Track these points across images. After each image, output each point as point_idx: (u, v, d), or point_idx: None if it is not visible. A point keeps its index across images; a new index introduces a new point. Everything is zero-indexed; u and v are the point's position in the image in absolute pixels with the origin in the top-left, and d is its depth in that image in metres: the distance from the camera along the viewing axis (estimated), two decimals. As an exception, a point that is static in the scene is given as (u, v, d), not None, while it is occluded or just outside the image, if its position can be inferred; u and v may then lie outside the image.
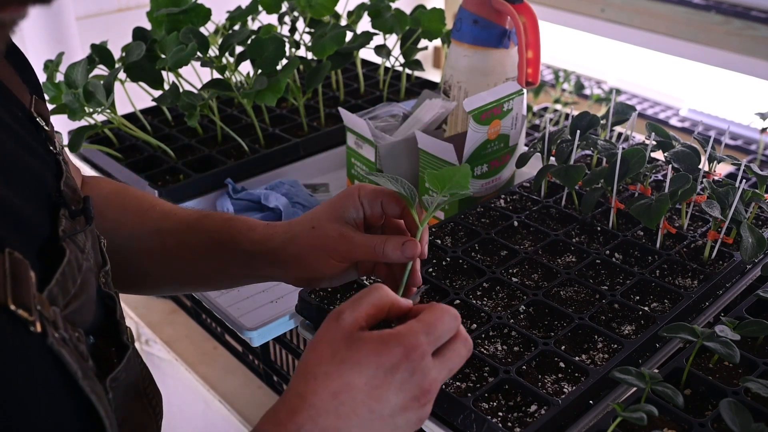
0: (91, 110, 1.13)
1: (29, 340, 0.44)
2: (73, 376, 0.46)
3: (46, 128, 0.58)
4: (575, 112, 1.12)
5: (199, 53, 1.14)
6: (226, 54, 1.19)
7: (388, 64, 1.42)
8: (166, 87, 1.22)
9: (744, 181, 0.86)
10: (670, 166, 0.92)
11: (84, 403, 0.48)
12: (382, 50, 1.39)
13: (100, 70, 1.21)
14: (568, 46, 2.70)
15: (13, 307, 0.42)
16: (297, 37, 1.37)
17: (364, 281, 0.85)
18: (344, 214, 0.72)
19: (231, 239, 0.75)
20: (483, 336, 0.77)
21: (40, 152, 0.55)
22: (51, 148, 0.58)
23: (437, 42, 1.43)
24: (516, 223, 0.97)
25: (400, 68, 1.41)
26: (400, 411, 0.55)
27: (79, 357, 0.48)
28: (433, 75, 2.22)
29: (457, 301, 0.82)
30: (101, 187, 0.82)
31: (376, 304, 0.58)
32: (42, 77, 1.19)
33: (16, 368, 0.42)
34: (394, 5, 1.37)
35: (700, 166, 0.93)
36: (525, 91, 1.06)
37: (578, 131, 0.99)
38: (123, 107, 1.25)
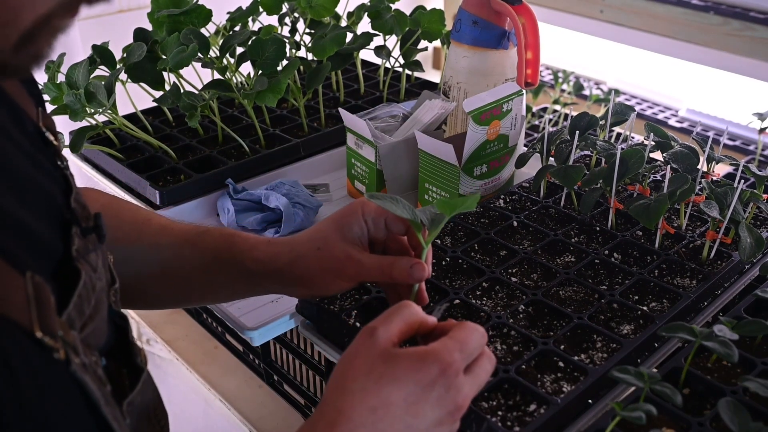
0: (93, 111, 1.14)
1: (54, 368, 0.43)
2: (95, 403, 0.46)
3: (55, 143, 0.57)
4: (574, 113, 1.12)
5: (199, 54, 1.15)
6: (227, 55, 1.19)
7: (388, 65, 1.43)
8: (167, 88, 1.23)
9: (742, 181, 0.86)
10: (669, 166, 0.93)
11: (105, 430, 0.47)
12: (382, 51, 1.40)
13: (102, 71, 1.21)
14: (567, 47, 2.70)
15: (39, 335, 0.41)
16: (297, 38, 1.38)
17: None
18: (349, 234, 0.71)
19: (232, 257, 0.75)
20: (483, 335, 0.77)
21: (49, 169, 0.54)
22: (59, 162, 0.57)
23: (437, 43, 1.43)
24: (515, 223, 0.97)
25: (400, 69, 1.42)
26: (435, 426, 0.57)
27: (99, 382, 0.47)
28: (433, 76, 2.22)
29: (457, 301, 0.82)
30: (94, 200, 0.80)
31: (408, 321, 0.59)
32: (43, 78, 1.21)
33: (45, 398, 0.41)
34: (393, 6, 1.37)
35: (699, 167, 0.94)
36: (524, 91, 1.07)
37: (577, 132, 0.99)
38: (124, 108, 1.26)
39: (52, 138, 0.57)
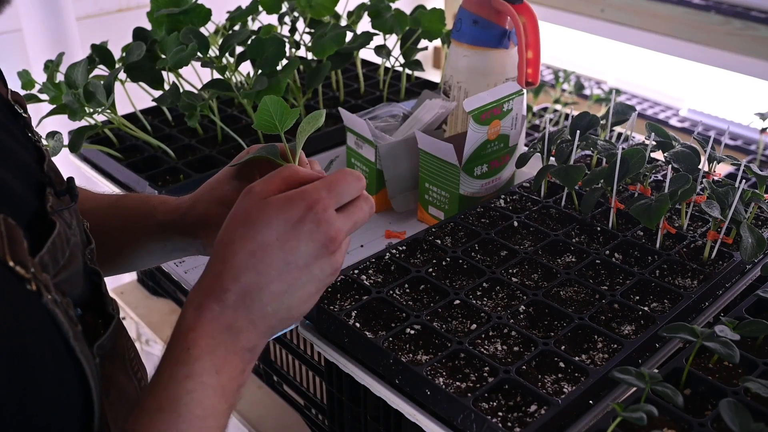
0: (92, 110, 1.13)
1: (26, 297, 0.45)
2: (65, 335, 0.49)
3: (24, 115, 0.61)
4: (575, 113, 1.12)
5: (199, 53, 1.15)
6: (227, 54, 1.19)
7: (388, 65, 1.43)
8: (167, 87, 1.22)
9: (744, 181, 0.86)
10: (670, 166, 0.92)
11: (77, 365, 0.50)
12: (382, 50, 1.40)
13: (101, 71, 1.21)
14: (568, 47, 2.70)
15: (11, 263, 0.44)
16: (297, 37, 1.38)
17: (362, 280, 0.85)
18: (238, 176, 0.77)
19: (148, 213, 0.80)
20: (483, 336, 0.77)
21: (20, 137, 0.58)
22: (30, 134, 0.60)
23: (437, 42, 1.43)
24: (516, 224, 0.97)
25: (400, 68, 1.42)
26: (313, 260, 0.60)
27: (70, 321, 0.50)
28: (433, 75, 2.22)
29: (457, 301, 0.82)
30: None
31: (287, 180, 0.62)
32: (42, 77, 1.20)
33: (19, 322, 0.44)
34: (394, 5, 1.37)
35: (700, 167, 0.94)
36: (525, 91, 1.06)
37: (578, 131, 0.99)
38: (123, 107, 1.25)
39: (21, 111, 0.61)
